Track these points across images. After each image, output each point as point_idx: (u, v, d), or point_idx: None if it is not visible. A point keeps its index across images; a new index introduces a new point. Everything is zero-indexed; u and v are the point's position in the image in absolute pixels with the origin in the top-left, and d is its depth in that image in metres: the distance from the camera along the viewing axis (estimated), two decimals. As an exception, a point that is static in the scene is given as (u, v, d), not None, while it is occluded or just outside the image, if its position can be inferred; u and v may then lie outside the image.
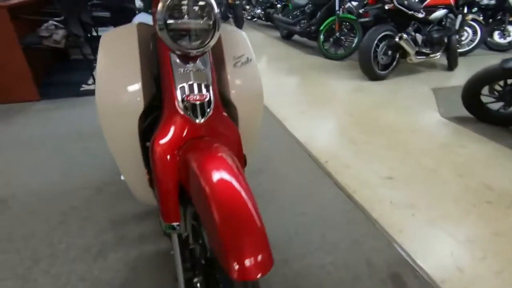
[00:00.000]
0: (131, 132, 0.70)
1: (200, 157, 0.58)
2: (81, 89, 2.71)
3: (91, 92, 2.58)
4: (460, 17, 3.39)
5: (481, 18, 4.12)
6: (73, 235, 1.19)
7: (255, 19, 6.96)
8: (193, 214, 0.71)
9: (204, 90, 0.64)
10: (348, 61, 3.97)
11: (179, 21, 0.55)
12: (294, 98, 2.72)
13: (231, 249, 0.46)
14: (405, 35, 2.97)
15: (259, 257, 0.46)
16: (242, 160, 0.73)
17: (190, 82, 0.63)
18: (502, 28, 4.36)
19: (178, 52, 0.60)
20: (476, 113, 2.28)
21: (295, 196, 1.46)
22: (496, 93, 2.17)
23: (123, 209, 1.32)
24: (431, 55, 3.32)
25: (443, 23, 3.35)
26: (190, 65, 0.63)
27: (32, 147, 1.78)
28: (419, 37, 3.16)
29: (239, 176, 0.55)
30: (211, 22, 0.57)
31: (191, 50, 0.59)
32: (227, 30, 0.77)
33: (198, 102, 0.63)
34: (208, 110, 0.65)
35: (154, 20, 0.57)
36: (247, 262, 0.45)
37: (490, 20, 4.46)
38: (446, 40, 3.35)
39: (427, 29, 3.27)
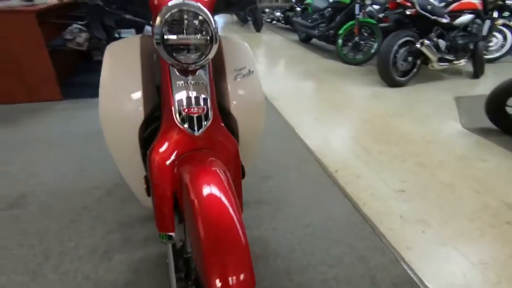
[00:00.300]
0: (131, 141, 0.72)
1: (192, 170, 0.58)
2: (101, 90, 2.81)
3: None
4: (488, 22, 3.23)
5: (512, 23, 3.90)
6: (82, 234, 1.24)
7: (275, 22, 6.95)
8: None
9: (201, 103, 0.65)
10: (366, 66, 3.88)
11: (176, 36, 0.56)
12: (308, 103, 2.69)
13: (212, 266, 0.46)
14: (427, 41, 2.87)
15: (241, 276, 0.46)
16: (239, 172, 0.73)
17: (188, 95, 0.64)
18: (535, 34, 4.10)
19: (175, 66, 0.61)
20: (500, 124, 2.16)
21: (302, 206, 1.44)
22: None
23: (131, 212, 1.35)
24: (455, 62, 3.18)
25: (469, 28, 3.20)
26: (189, 78, 0.64)
27: (52, 145, 1.86)
28: (442, 43, 3.04)
29: (228, 192, 0.55)
30: (208, 37, 0.57)
31: (188, 65, 0.59)
32: (230, 42, 0.77)
33: (195, 115, 0.64)
34: (206, 122, 0.65)
35: (153, 33, 0.58)
36: (229, 281, 0.45)
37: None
38: (471, 47, 3.20)
39: (452, 35, 3.14)
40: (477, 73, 3.37)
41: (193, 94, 0.64)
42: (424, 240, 1.26)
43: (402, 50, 2.93)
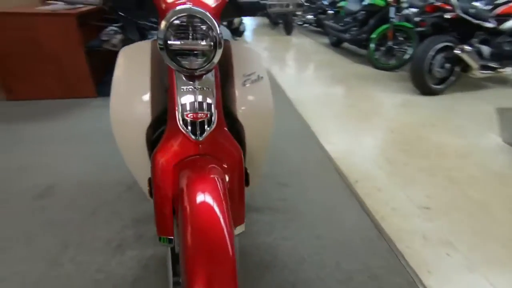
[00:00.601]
0: (139, 142, 0.74)
1: (190, 176, 0.58)
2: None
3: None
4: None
5: None
6: (100, 227, 1.30)
7: (306, 25, 6.87)
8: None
9: (205, 108, 0.64)
10: (399, 72, 3.70)
11: (179, 41, 0.56)
12: (333, 109, 2.61)
13: (195, 275, 0.45)
14: (467, 47, 2.66)
15: None
16: (242, 179, 0.72)
17: (192, 100, 0.64)
18: None
19: (179, 71, 0.61)
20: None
21: (316, 216, 1.39)
22: None
23: (147, 209, 1.39)
24: (500, 70, 2.91)
25: (518, 33, 2.92)
26: (194, 83, 0.64)
27: (84, 140, 1.98)
28: (485, 49, 2.81)
29: (222, 202, 0.54)
30: (211, 43, 0.57)
31: (191, 70, 0.59)
32: (239, 47, 0.76)
33: (198, 120, 0.64)
34: (209, 128, 0.65)
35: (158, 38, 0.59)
36: None
37: None
38: (520, 53, 2.91)
39: (497, 41, 2.88)
40: (525, 83, 3.07)
41: (197, 99, 0.64)
42: (448, 264, 1.16)
43: (439, 56, 2.74)
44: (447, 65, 2.77)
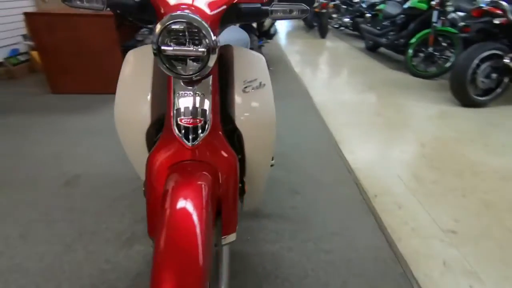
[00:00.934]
0: (139, 143, 0.76)
1: (176, 180, 0.58)
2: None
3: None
4: None
5: None
6: (114, 219, 1.36)
7: (342, 28, 6.67)
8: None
9: (199, 114, 0.64)
10: (438, 80, 3.44)
11: (172, 47, 0.56)
12: (359, 117, 2.50)
13: (160, 281, 0.44)
14: (520, 56, 2.40)
15: None
16: (236, 187, 0.70)
17: (186, 105, 0.63)
18: None
19: (173, 76, 0.61)
20: None
21: (327, 229, 1.33)
22: None
23: (158, 205, 1.43)
24: (558, 83, 2.59)
25: None
26: (189, 88, 0.64)
27: (113, 134, 2.09)
28: (542, 59, 2.50)
29: (202, 210, 0.53)
30: (205, 49, 0.56)
31: (185, 76, 0.59)
32: (242, 52, 0.74)
33: (191, 126, 0.63)
34: (202, 134, 0.64)
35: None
36: None
37: None
38: None
39: (557, 50, 2.56)
40: None
41: (191, 104, 0.64)
42: (469, 298, 1.05)
43: (484, 65, 2.50)
44: (494, 75, 2.52)
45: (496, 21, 2.42)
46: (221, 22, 0.62)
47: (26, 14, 2.44)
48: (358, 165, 1.80)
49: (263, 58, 0.75)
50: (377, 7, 4.63)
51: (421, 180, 1.68)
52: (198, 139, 0.64)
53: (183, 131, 0.64)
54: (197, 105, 0.64)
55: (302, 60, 4.41)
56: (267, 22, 3.22)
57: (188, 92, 0.64)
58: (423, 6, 3.52)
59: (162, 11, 0.58)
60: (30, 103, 2.54)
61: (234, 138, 0.79)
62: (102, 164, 1.75)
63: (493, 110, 2.62)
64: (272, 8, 0.63)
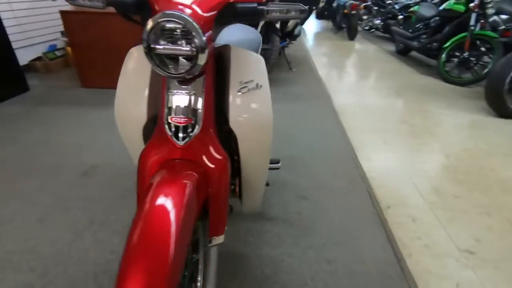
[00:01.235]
0: (137, 139, 0.77)
1: (161, 177, 0.58)
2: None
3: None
4: None
5: None
6: (123, 210, 1.41)
7: (373, 30, 6.45)
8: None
9: (190, 113, 0.64)
10: (473, 88, 3.21)
11: (162, 45, 0.56)
12: (380, 123, 2.39)
13: (126, 277, 0.44)
14: None
15: None
16: (226, 189, 0.69)
17: (177, 104, 0.64)
18: None
19: (164, 74, 0.61)
20: None
21: (332, 238, 1.28)
22: None
23: (166, 200, 1.46)
24: None
25: None
26: (183, 87, 0.64)
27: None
28: None
29: (181, 210, 0.52)
30: (194, 48, 0.56)
31: (175, 75, 0.59)
32: (240, 52, 0.73)
33: (181, 125, 0.63)
34: (192, 133, 0.64)
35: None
36: None
37: None
38: None
39: None
40: None
41: (183, 103, 0.64)
42: (481, 326, 0.96)
43: (526, 73, 2.29)
44: (536, 85, 2.30)
45: (542, 25, 2.20)
46: (217, 21, 0.62)
47: (62, 12, 2.61)
48: (373, 174, 1.72)
49: (262, 59, 0.74)
50: (411, 9, 4.41)
51: (441, 193, 1.57)
52: (188, 138, 0.64)
53: (173, 129, 0.64)
54: (189, 104, 0.64)
55: (328, 62, 4.31)
56: (291, 22, 3.18)
57: (181, 91, 0.64)
58: (461, 8, 3.30)
59: (157, 8, 0.59)
60: (61, 96, 2.71)
61: (230, 139, 0.78)
62: (119, 156, 1.82)
63: (533, 122, 2.40)
64: (268, 8, 0.62)
